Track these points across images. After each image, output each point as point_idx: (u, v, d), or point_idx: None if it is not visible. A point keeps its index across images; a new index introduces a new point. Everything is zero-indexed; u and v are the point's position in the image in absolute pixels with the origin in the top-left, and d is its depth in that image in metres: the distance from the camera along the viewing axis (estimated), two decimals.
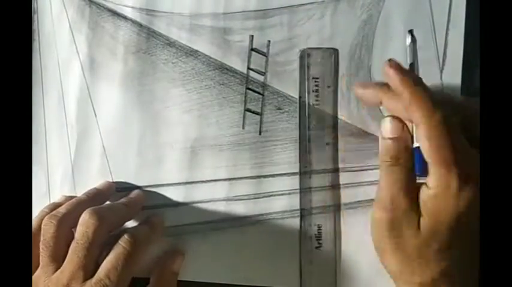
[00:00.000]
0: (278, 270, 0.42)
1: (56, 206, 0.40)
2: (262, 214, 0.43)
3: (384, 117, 0.36)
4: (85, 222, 0.37)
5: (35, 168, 0.44)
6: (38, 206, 0.44)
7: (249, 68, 0.44)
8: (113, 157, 0.44)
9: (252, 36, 0.44)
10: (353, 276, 0.42)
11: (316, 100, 0.43)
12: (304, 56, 0.43)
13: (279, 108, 0.43)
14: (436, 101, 0.33)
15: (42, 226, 0.38)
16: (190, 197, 0.44)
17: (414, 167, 0.34)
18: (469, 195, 0.32)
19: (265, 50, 0.44)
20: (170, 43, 0.44)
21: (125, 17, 0.44)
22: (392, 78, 0.34)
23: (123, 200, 0.42)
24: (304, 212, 0.42)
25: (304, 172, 0.42)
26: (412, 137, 0.34)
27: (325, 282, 0.42)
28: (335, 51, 0.43)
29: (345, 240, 0.42)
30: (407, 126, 0.35)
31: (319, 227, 0.42)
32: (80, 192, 0.44)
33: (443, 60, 0.43)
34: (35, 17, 0.45)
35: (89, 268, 0.37)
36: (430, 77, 0.43)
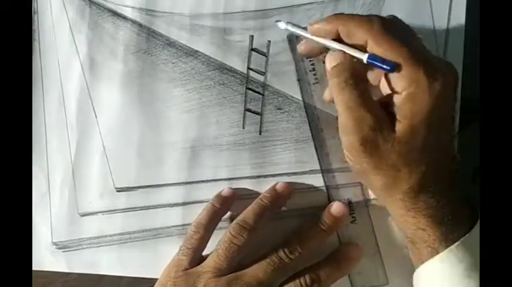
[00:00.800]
0: None
1: (223, 199, 0.42)
2: None
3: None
4: (282, 253, 0.39)
5: (35, 168, 0.44)
6: (38, 206, 0.44)
7: (249, 68, 0.44)
8: (113, 157, 0.44)
9: (252, 36, 0.44)
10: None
11: (315, 79, 0.42)
12: (293, 39, 0.43)
13: (279, 108, 0.43)
14: (365, 16, 0.35)
15: (189, 231, 0.41)
16: (191, 197, 0.44)
17: (387, 67, 0.33)
18: (439, 87, 0.32)
19: (265, 50, 0.44)
20: (170, 43, 0.44)
21: (124, 17, 0.45)
22: (319, 27, 0.36)
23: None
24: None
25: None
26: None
27: None
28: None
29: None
30: (348, 54, 0.35)
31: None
32: (80, 192, 0.44)
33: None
34: (35, 17, 0.45)
35: (232, 266, 0.39)
36: None
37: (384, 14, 0.43)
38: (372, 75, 0.37)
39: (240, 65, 0.44)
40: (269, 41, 0.44)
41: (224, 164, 0.43)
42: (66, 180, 0.45)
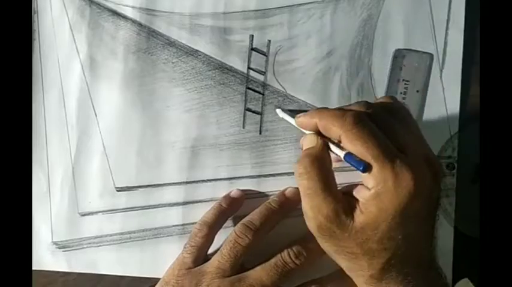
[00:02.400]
0: None
1: (231, 199, 0.42)
2: None
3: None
4: (287, 257, 0.39)
5: (35, 167, 0.44)
6: (38, 205, 0.44)
7: (249, 68, 0.44)
8: (113, 156, 0.44)
9: (252, 35, 0.44)
10: None
11: (402, 103, 0.42)
12: (399, 56, 0.43)
13: (279, 108, 0.43)
14: (343, 110, 0.35)
15: (194, 229, 0.41)
16: (191, 197, 0.44)
17: (359, 167, 0.33)
18: (409, 187, 0.32)
19: (265, 50, 0.44)
20: (170, 43, 0.44)
21: (125, 17, 0.44)
22: (302, 120, 0.36)
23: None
24: None
25: None
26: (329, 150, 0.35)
27: None
28: (431, 57, 0.43)
29: None
30: (324, 143, 0.35)
31: None
32: (80, 192, 0.44)
33: (443, 60, 0.43)
34: (35, 17, 0.45)
35: (236, 267, 0.39)
36: (429, 76, 0.43)
37: (384, 14, 0.43)
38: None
39: (240, 65, 0.44)
40: (269, 41, 0.44)
41: (224, 164, 0.43)
42: (66, 179, 0.44)
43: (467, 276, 0.41)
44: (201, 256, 0.40)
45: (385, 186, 0.32)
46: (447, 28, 0.43)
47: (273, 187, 0.43)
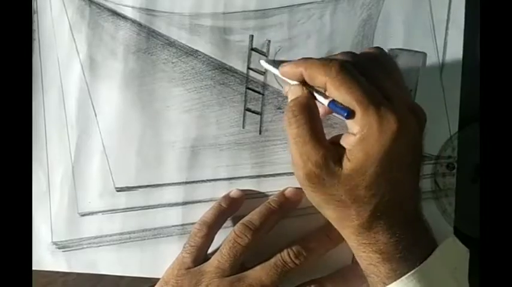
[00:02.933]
0: None
1: (231, 200, 0.42)
2: None
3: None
4: (287, 257, 0.39)
5: (35, 168, 0.44)
6: (38, 205, 0.44)
7: (249, 68, 0.44)
8: (113, 156, 0.44)
9: (252, 36, 0.44)
10: None
11: None
12: (392, 56, 0.43)
13: (279, 108, 0.43)
14: (328, 59, 0.35)
15: (193, 229, 0.41)
16: (191, 197, 0.44)
17: (343, 113, 0.34)
18: (393, 131, 0.32)
19: (265, 50, 0.44)
20: (170, 43, 0.44)
21: (124, 17, 0.44)
22: (287, 70, 0.37)
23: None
24: None
25: None
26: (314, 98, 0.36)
27: None
28: (424, 56, 0.43)
29: None
30: (307, 88, 0.36)
31: None
32: (80, 192, 0.44)
33: (443, 60, 0.43)
34: (35, 17, 0.45)
35: (236, 267, 0.39)
36: (429, 76, 0.43)
37: (384, 14, 0.43)
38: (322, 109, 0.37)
39: (240, 65, 0.44)
40: (269, 41, 0.44)
41: (224, 164, 0.43)
42: (66, 179, 0.44)
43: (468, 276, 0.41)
44: (200, 256, 0.40)
45: (370, 130, 0.33)
46: (447, 28, 0.43)
47: (273, 187, 0.43)
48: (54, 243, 0.44)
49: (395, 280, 0.34)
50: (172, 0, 0.44)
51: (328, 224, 0.38)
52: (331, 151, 0.34)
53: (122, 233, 0.44)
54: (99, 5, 0.45)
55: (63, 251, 0.44)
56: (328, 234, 0.40)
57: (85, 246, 0.44)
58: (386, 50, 0.42)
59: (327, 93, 0.35)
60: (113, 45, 0.45)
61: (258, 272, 0.38)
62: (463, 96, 0.43)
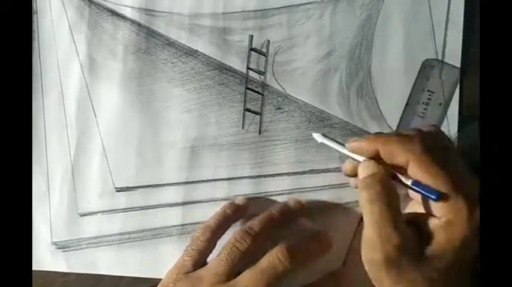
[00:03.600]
0: None
1: (235, 207, 0.42)
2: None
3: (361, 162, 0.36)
4: (276, 260, 0.37)
5: (34, 168, 0.44)
6: (38, 206, 0.44)
7: (248, 68, 0.44)
8: (113, 156, 0.44)
9: (252, 36, 0.44)
10: None
11: (423, 113, 0.42)
12: (428, 66, 0.43)
13: (279, 108, 0.43)
14: (407, 136, 0.34)
15: (196, 233, 0.40)
16: (190, 197, 0.44)
17: (432, 195, 0.33)
18: (477, 218, 0.32)
19: (264, 50, 0.44)
20: (170, 43, 0.44)
21: (124, 17, 0.44)
22: (359, 145, 0.36)
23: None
24: None
25: None
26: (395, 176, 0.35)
27: None
28: (461, 72, 0.42)
29: None
30: (383, 166, 0.35)
31: None
32: (79, 192, 0.44)
33: (442, 60, 0.43)
34: (34, 17, 0.45)
35: (233, 272, 0.37)
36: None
37: (383, 14, 0.43)
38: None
39: (239, 65, 0.44)
40: (268, 41, 0.44)
41: (224, 164, 0.43)
42: (65, 180, 0.44)
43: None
44: (201, 260, 0.39)
45: (458, 216, 0.32)
46: (446, 29, 0.43)
47: (273, 187, 0.43)
48: (54, 243, 0.44)
49: None
50: (171, 0, 0.44)
51: (319, 231, 0.38)
52: (412, 236, 0.33)
53: (121, 234, 0.44)
54: (98, 5, 0.45)
55: (62, 252, 0.44)
56: (321, 238, 0.40)
57: (85, 246, 0.44)
58: (391, 51, 0.43)
59: (408, 172, 0.34)
60: (112, 45, 0.45)
61: (247, 278, 0.37)
62: (463, 96, 0.43)
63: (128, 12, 0.44)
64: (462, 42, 0.43)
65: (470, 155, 0.41)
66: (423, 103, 0.43)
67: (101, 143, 0.44)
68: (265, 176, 0.43)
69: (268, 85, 0.44)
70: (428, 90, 0.42)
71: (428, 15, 0.43)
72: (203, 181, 0.44)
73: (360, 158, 0.36)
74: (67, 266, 0.44)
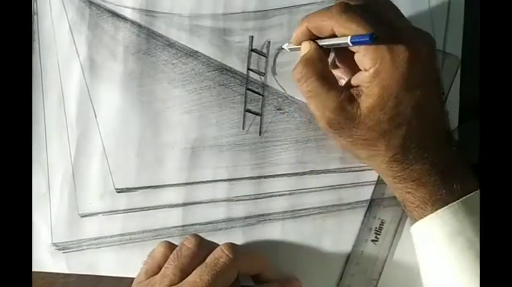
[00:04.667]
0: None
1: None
2: (262, 215, 0.43)
3: None
4: (219, 252, 0.37)
5: (35, 169, 0.44)
6: (38, 207, 0.44)
7: (248, 69, 0.44)
8: (113, 157, 0.44)
9: (252, 37, 0.44)
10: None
11: None
12: None
13: (279, 109, 0.43)
14: (326, 7, 0.36)
15: (185, 240, 0.39)
16: (191, 198, 0.43)
17: (367, 38, 0.33)
18: (405, 60, 0.33)
19: (265, 51, 0.44)
20: (170, 44, 0.44)
21: (124, 18, 0.45)
22: (296, 33, 0.38)
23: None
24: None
25: None
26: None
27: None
28: (461, 72, 0.42)
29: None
30: (316, 45, 0.37)
31: (382, 222, 0.42)
32: (80, 193, 0.44)
33: (442, 60, 0.43)
34: (35, 18, 0.45)
35: (182, 275, 0.37)
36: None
37: None
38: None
39: (239, 66, 0.44)
40: (269, 42, 0.44)
41: (224, 165, 0.43)
42: (66, 181, 0.44)
43: None
44: (154, 269, 0.39)
45: (383, 62, 0.33)
46: (446, 29, 0.43)
47: (273, 188, 0.43)
48: (54, 244, 0.44)
49: (430, 205, 0.35)
50: (172, 1, 0.44)
51: None
52: (345, 95, 0.35)
53: (122, 234, 0.44)
54: (99, 6, 0.45)
55: (63, 253, 0.44)
56: None
57: (85, 247, 0.44)
58: None
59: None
60: (112, 46, 0.45)
61: (194, 276, 0.36)
62: (463, 96, 0.43)
63: (128, 13, 0.45)
64: (462, 42, 0.43)
65: (470, 155, 0.41)
66: None
67: (101, 144, 0.44)
68: (265, 177, 0.43)
69: (268, 86, 0.44)
70: None
71: (428, 16, 0.43)
72: (203, 182, 0.44)
73: (306, 43, 0.38)
74: (67, 267, 0.44)
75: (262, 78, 0.44)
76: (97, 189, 0.44)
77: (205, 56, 0.44)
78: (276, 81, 0.43)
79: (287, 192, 0.43)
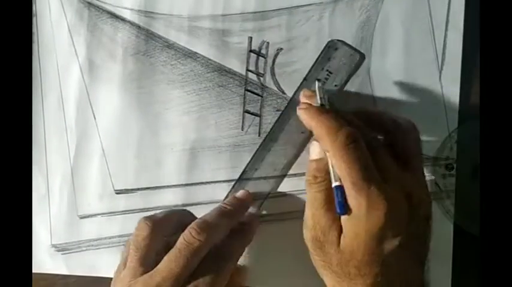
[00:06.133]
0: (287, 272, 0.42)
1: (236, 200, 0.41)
2: (262, 215, 0.43)
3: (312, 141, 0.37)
4: (190, 237, 0.36)
5: (34, 170, 0.44)
6: (38, 208, 0.44)
7: (247, 70, 0.44)
8: (112, 159, 0.44)
9: (251, 37, 0.44)
10: None
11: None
12: (332, 47, 0.42)
13: (278, 110, 0.43)
14: (339, 124, 0.34)
15: (136, 227, 0.38)
16: (190, 199, 0.43)
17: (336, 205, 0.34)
18: (380, 215, 0.32)
19: (264, 52, 0.44)
20: (169, 45, 0.44)
21: (123, 19, 0.45)
22: (303, 116, 0.37)
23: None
24: None
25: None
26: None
27: None
28: (361, 57, 0.42)
29: None
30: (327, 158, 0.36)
31: None
32: (79, 194, 0.44)
33: (442, 61, 0.43)
34: (34, 19, 0.45)
35: (182, 278, 0.36)
36: (429, 78, 0.43)
37: (382, 15, 0.43)
38: None
39: (238, 67, 0.44)
40: (268, 43, 0.44)
41: (223, 166, 0.43)
42: (65, 182, 0.45)
43: (467, 275, 0.40)
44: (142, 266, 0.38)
45: (359, 211, 0.33)
46: (446, 29, 0.43)
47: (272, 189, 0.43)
48: (54, 246, 0.44)
49: None
50: (171, 2, 0.44)
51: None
52: (338, 222, 0.34)
53: (121, 236, 0.44)
54: (98, 8, 0.45)
55: (62, 254, 0.44)
56: (230, 208, 0.40)
57: (84, 248, 0.44)
58: (391, 52, 0.43)
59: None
60: (111, 47, 0.45)
61: (167, 262, 0.36)
62: (462, 97, 0.43)
63: (127, 15, 0.45)
64: (462, 42, 0.43)
65: (470, 154, 0.41)
66: (318, 80, 0.42)
67: (101, 146, 0.44)
68: (265, 178, 0.43)
69: (267, 87, 0.44)
70: (327, 70, 0.42)
71: (428, 16, 0.43)
72: (203, 183, 0.44)
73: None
74: (67, 269, 0.44)
75: (261, 79, 0.44)
76: (96, 190, 0.44)
77: (204, 57, 0.44)
78: (275, 82, 0.43)
79: (287, 193, 0.43)
